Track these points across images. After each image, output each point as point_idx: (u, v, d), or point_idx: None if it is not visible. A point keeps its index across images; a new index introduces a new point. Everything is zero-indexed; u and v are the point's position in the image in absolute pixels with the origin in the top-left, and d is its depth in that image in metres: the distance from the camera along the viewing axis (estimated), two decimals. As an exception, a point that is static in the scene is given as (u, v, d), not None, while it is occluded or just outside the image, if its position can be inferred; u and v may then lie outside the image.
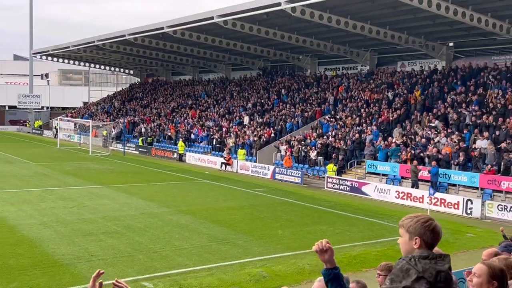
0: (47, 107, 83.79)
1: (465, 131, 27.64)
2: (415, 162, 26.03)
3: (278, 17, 34.03)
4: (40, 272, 12.77)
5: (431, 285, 2.97)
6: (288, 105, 42.61)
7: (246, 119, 43.42)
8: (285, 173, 32.21)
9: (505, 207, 21.63)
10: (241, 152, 36.91)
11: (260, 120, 42.09)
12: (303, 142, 34.56)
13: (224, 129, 42.94)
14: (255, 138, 37.93)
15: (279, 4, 30.20)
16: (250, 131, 40.00)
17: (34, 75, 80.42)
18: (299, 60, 47.88)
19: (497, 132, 25.95)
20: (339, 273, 3.39)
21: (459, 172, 24.91)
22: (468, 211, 22.43)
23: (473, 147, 25.85)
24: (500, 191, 23.13)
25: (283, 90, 46.11)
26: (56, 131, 63.18)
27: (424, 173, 25.81)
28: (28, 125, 77.40)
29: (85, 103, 79.31)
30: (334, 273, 3.38)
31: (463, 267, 10.84)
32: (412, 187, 25.76)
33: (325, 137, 33.90)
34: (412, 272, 3.01)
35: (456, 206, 22.90)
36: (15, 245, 15.05)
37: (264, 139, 37.52)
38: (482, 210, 22.15)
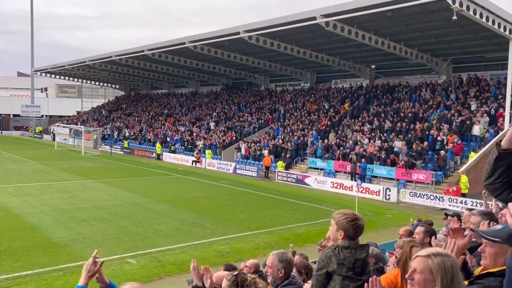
0: (46, 115, 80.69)
1: (384, 134, 28.32)
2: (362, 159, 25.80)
3: (238, 43, 33.96)
4: (41, 252, 12.38)
5: (350, 269, 3.00)
6: (246, 114, 42.60)
7: (212, 125, 43.11)
8: (244, 168, 32.18)
9: (415, 193, 22.29)
10: (208, 151, 36.62)
11: (224, 126, 41.93)
12: (258, 144, 34.63)
13: (194, 133, 42.53)
14: (220, 141, 37.74)
15: (238, 33, 30.30)
16: (216, 135, 39.75)
17: (35, 89, 77.57)
18: (254, 78, 47.92)
19: (409, 135, 26.71)
20: None
21: (380, 166, 25.45)
22: (387, 197, 22.97)
23: (391, 146, 26.49)
24: (411, 181, 23.77)
25: (242, 102, 46.09)
26: (54, 135, 61.13)
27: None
28: (30, 131, 74.51)
29: (78, 112, 77.01)
30: None
31: (384, 241, 11.14)
32: (352, 177, 25.70)
33: (276, 139, 34.10)
34: (334, 259, 3.04)
35: (377, 193, 23.42)
36: (19, 230, 14.53)
37: (227, 141, 37.38)
38: (398, 196, 22.73)
